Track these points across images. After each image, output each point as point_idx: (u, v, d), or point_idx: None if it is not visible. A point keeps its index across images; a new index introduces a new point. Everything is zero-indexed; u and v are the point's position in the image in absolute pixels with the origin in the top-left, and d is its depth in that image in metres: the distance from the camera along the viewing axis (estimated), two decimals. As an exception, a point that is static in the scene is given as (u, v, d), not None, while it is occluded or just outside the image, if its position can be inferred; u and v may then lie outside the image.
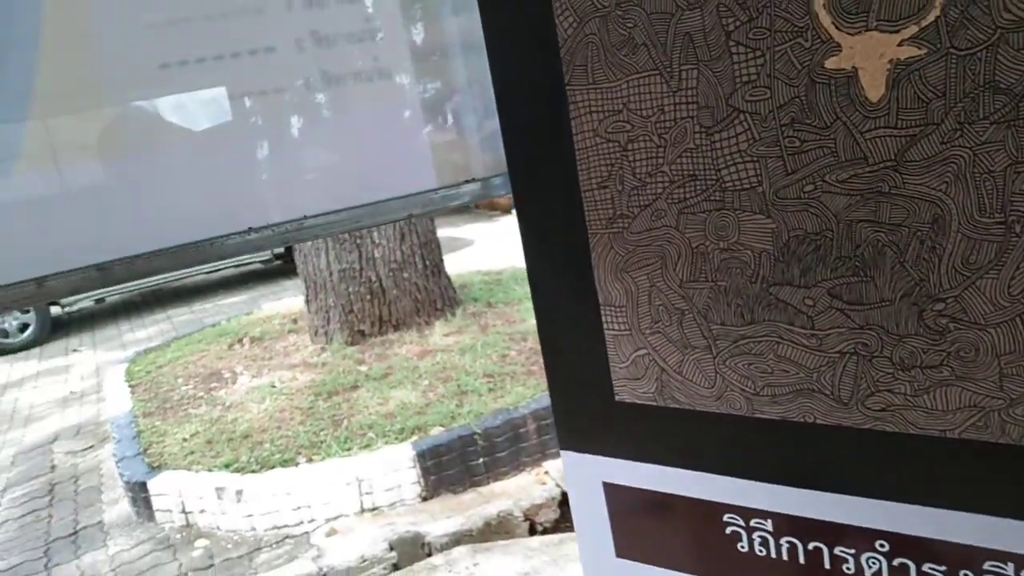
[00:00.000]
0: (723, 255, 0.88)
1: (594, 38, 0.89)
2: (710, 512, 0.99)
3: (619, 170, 0.92)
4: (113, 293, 10.36)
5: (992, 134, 0.69)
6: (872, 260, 0.78)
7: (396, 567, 3.76)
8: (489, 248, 9.78)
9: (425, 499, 4.21)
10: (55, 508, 4.93)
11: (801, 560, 0.93)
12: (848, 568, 0.89)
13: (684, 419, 0.97)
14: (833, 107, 0.76)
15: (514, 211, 1.03)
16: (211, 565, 3.96)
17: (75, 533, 4.57)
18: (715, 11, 0.80)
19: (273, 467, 4.36)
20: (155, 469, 4.61)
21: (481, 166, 1.10)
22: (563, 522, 3.92)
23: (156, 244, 0.88)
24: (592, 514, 1.11)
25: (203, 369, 6.26)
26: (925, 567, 0.84)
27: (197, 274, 10.80)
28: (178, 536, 4.30)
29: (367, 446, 4.40)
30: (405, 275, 6.04)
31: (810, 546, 0.92)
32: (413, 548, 3.84)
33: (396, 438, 4.42)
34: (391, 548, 3.83)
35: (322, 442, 4.52)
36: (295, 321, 6.95)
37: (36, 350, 9.21)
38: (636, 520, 1.07)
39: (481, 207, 12.33)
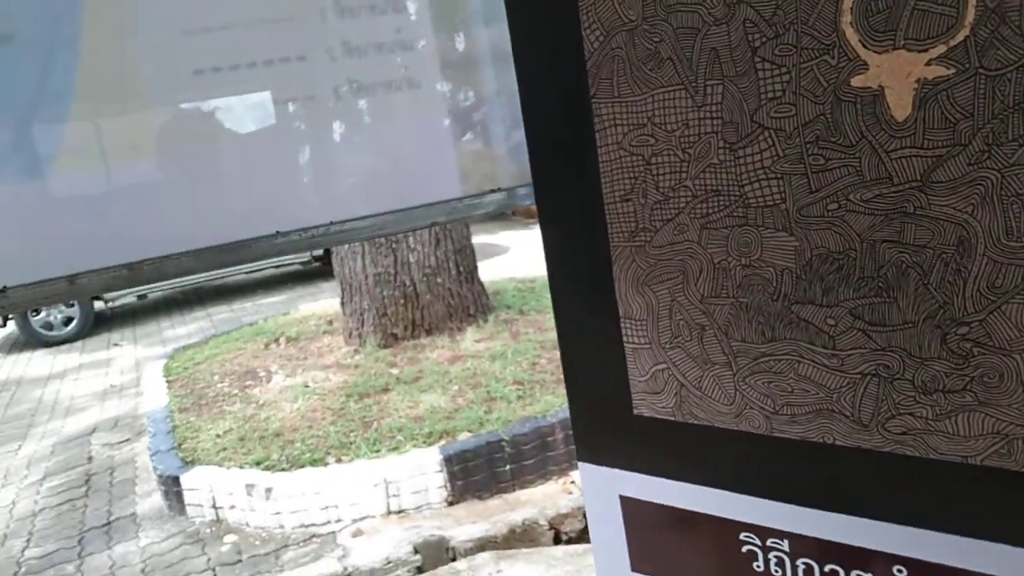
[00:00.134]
0: (745, 272, 0.87)
1: (620, 52, 0.89)
2: (726, 530, 0.98)
3: (642, 184, 0.92)
4: (155, 290, 10.58)
5: (1021, 156, 0.68)
6: (895, 281, 0.77)
7: (420, 570, 3.77)
8: (524, 256, 9.80)
9: (451, 504, 4.22)
10: (90, 498, 5.04)
11: (817, 582, 0.91)
12: (865, 593, 0.88)
13: (702, 435, 0.96)
14: (859, 126, 0.76)
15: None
16: (239, 561, 4.02)
17: (108, 524, 4.66)
18: (741, 27, 0.80)
19: (303, 466, 4.40)
20: (188, 464, 4.69)
21: (507, 176, 1.10)
22: (588, 533, 3.90)
23: (185, 246, 0.90)
24: (608, 527, 1.10)
25: (239, 367, 6.35)
26: (943, 595, 0.82)
27: (237, 273, 10.97)
28: (208, 531, 4.36)
29: (395, 448, 4.43)
30: (439, 280, 6.08)
31: (827, 568, 0.91)
32: (437, 552, 3.85)
33: (424, 442, 4.44)
34: (415, 551, 3.84)
35: (352, 443, 4.56)
36: (330, 322, 7.02)
37: (79, 343, 9.42)
38: (652, 534, 1.06)
39: (518, 215, 12.36)
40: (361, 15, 0.97)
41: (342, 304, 6.33)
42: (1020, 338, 0.72)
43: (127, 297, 10.51)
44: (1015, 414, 0.74)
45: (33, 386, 7.87)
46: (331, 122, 1.01)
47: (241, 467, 4.50)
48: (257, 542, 4.17)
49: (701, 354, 0.94)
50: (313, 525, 4.20)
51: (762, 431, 0.91)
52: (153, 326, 9.79)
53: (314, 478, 4.25)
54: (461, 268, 6.21)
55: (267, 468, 4.44)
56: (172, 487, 4.60)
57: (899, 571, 0.85)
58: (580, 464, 1.11)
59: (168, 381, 6.40)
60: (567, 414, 4.66)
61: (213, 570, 3.97)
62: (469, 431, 4.47)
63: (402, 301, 6.00)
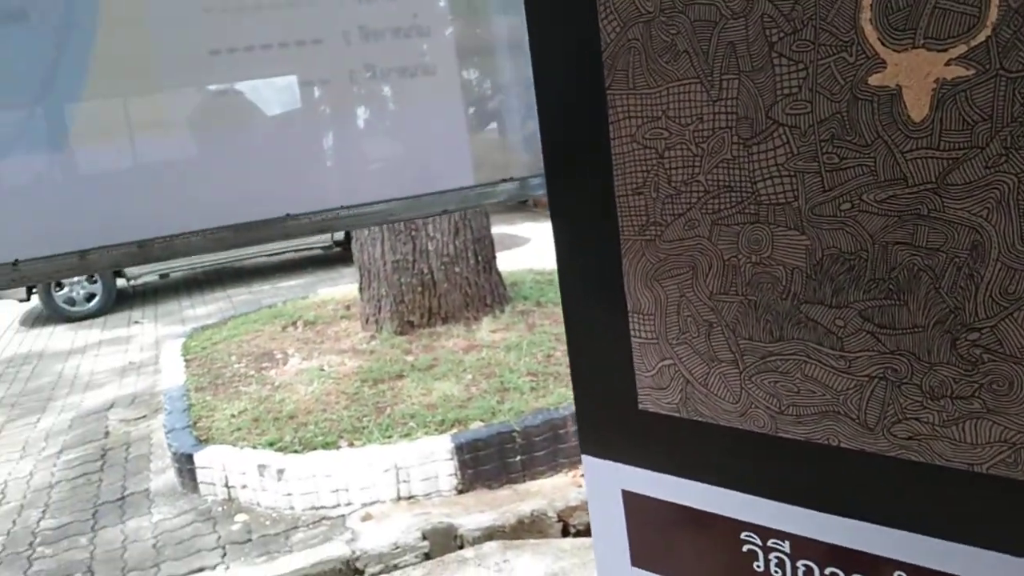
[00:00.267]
0: (755, 269, 0.86)
1: (637, 43, 0.88)
2: (727, 528, 0.97)
3: (655, 177, 0.91)
4: (177, 270, 10.67)
5: (1039, 161, 0.67)
6: (907, 284, 0.76)
7: (428, 556, 3.79)
8: (543, 247, 9.78)
9: (460, 492, 4.23)
10: (106, 473, 5.10)
11: (817, 585, 0.91)
12: (864, 597, 0.87)
13: (707, 433, 0.96)
14: (875, 125, 0.74)
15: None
16: (249, 540, 4.06)
17: (122, 499, 4.72)
18: (759, 21, 0.79)
19: (315, 448, 4.43)
20: (202, 443, 4.73)
21: (519, 165, 1.10)
22: (596, 526, 3.90)
23: (196, 225, 0.91)
24: (610, 521, 1.10)
25: (256, 349, 6.40)
26: (943, 603, 0.81)
27: (258, 256, 11.04)
28: (219, 509, 4.40)
29: (407, 435, 4.44)
30: (457, 269, 6.08)
31: (827, 571, 0.90)
32: (445, 539, 3.86)
33: (436, 429, 4.45)
34: (424, 537, 3.86)
35: (364, 428, 4.58)
36: (348, 308, 7.05)
37: (100, 320, 9.53)
38: (653, 530, 1.06)
39: (539, 206, 12.34)
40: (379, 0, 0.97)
41: (360, 290, 6.35)
42: (1031, 346, 0.71)
43: (149, 276, 10.62)
44: (1023, 423, 0.73)
45: (54, 360, 7.98)
46: (345, 106, 1.01)
47: (254, 447, 4.54)
48: (267, 522, 4.20)
49: (708, 351, 0.93)
50: (323, 507, 4.23)
51: (767, 431, 0.90)
52: (174, 305, 9.89)
53: (326, 461, 4.28)
54: (479, 258, 6.21)
55: (280, 449, 4.47)
56: (186, 465, 4.65)
57: (900, 577, 0.84)
58: (584, 457, 1.11)
59: (186, 360, 6.46)
60: (579, 407, 4.65)
61: (223, 548, 4.01)
62: (481, 420, 4.48)
63: (419, 289, 6.01)
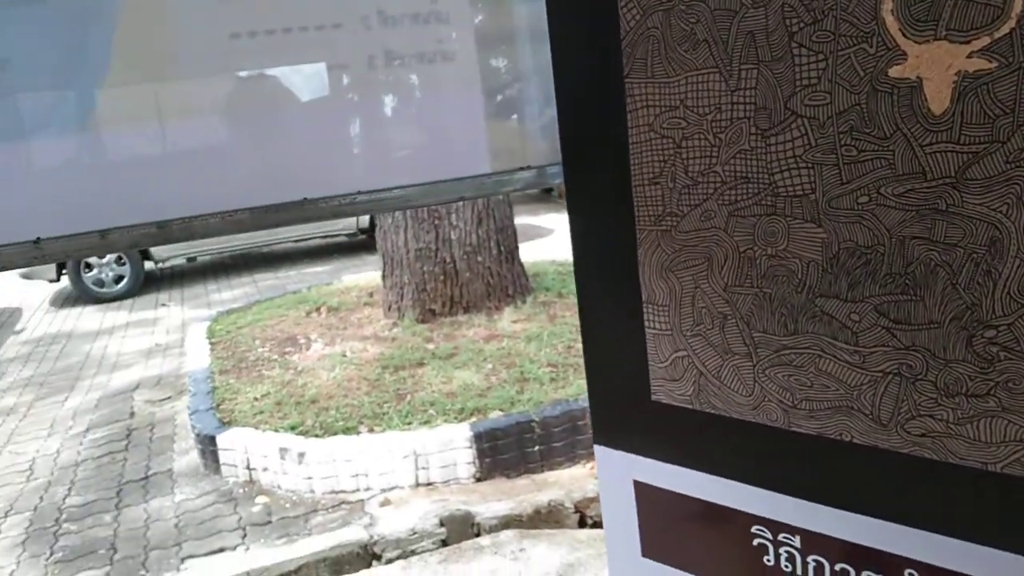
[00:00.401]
0: (770, 262, 0.86)
1: (656, 32, 0.88)
2: (738, 521, 0.97)
3: (671, 167, 0.91)
4: (204, 253, 10.78)
5: (1061, 156, 0.66)
6: (923, 279, 0.75)
7: (445, 543, 3.81)
8: (567, 239, 9.75)
9: (478, 480, 4.25)
10: (130, 452, 5.18)
11: (826, 580, 0.90)
12: (873, 594, 0.87)
13: (719, 425, 0.95)
14: (894, 117, 0.73)
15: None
16: (268, 522, 4.10)
17: (146, 478, 4.79)
18: (779, 11, 0.78)
19: (336, 433, 4.47)
20: (225, 425, 4.79)
21: (537, 154, 1.10)
22: (613, 518, 3.89)
23: (214, 207, 0.92)
24: (621, 511, 1.10)
25: (280, 333, 6.46)
26: (953, 602, 0.81)
27: (285, 242, 11.13)
28: (240, 491, 4.46)
29: (427, 422, 4.47)
30: (479, 259, 6.09)
31: (837, 567, 0.89)
32: (463, 526, 3.88)
33: (455, 417, 4.47)
34: (441, 524, 3.88)
35: (384, 414, 4.61)
36: (371, 295, 7.09)
37: (128, 302, 9.67)
38: (664, 521, 1.06)
39: (564, 197, 12.30)
40: (398, -17, 0.97)
41: (383, 277, 6.38)
42: (1049, 344, 0.70)
43: (177, 259, 10.75)
44: (1040, 422, 0.72)
45: (82, 341, 8.11)
46: (363, 92, 1.01)
47: (276, 431, 4.59)
48: (287, 505, 4.25)
49: (722, 343, 0.92)
50: (343, 492, 4.27)
51: (779, 424, 0.90)
52: (200, 288, 10.00)
53: (346, 446, 4.32)
54: (502, 248, 6.22)
55: (301, 433, 4.52)
56: (208, 446, 4.71)
57: (911, 574, 0.83)
58: (596, 447, 1.11)
59: (211, 343, 6.53)
60: (598, 399, 4.64)
61: (244, 529, 4.06)
62: (500, 410, 4.49)
63: (442, 277, 6.03)
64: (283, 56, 0.95)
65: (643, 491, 1.07)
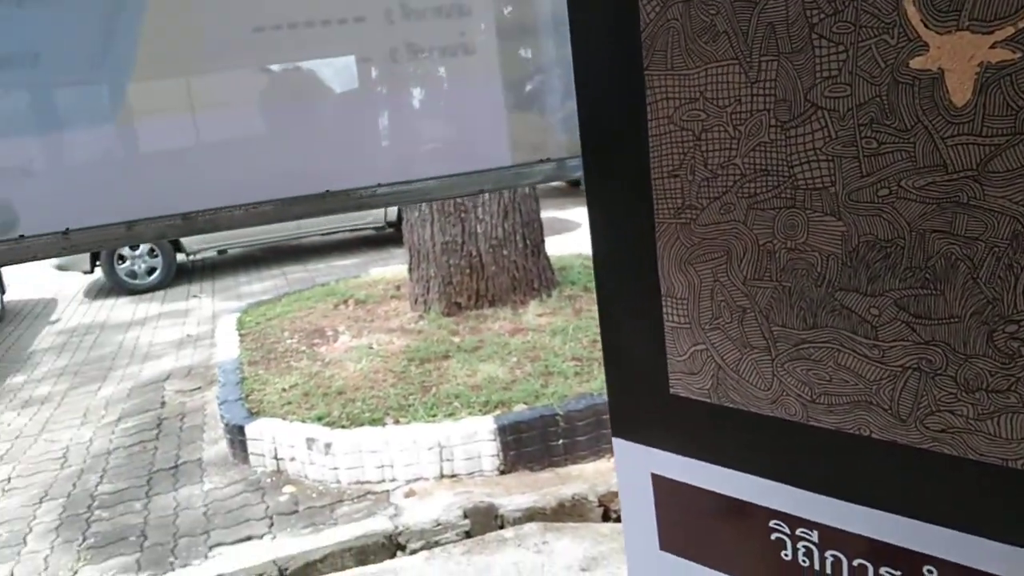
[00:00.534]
0: (790, 255, 0.85)
1: (676, 23, 0.87)
2: (756, 516, 0.97)
3: (691, 160, 0.91)
4: (235, 246, 10.91)
5: (1086, 149, 0.65)
6: (944, 273, 0.75)
7: (468, 535, 3.84)
8: (594, 232, 9.71)
9: (502, 472, 4.27)
10: (161, 442, 5.27)
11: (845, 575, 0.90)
12: (891, 590, 0.86)
13: (737, 419, 0.95)
14: (915, 109, 0.73)
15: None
16: (295, 511, 4.16)
17: (176, 467, 4.87)
18: (800, 2, 0.77)
19: (362, 424, 4.51)
20: (253, 415, 4.85)
21: (557, 146, 1.10)
22: (637, 512, 3.89)
23: (239, 199, 0.93)
24: (639, 504, 1.10)
25: (308, 325, 6.52)
26: (972, 599, 0.80)
27: (313, 235, 11.22)
28: (268, 480, 4.52)
29: (451, 415, 4.49)
30: (505, 252, 6.10)
31: (855, 563, 0.89)
32: (486, 518, 3.90)
33: (480, 410, 4.49)
34: (465, 515, 3.91)
35: (410, 406, 4.65)
36: (398, 288, 7.13)
37: (160, 293, 9.82)
38: (682, 515, 1.06)
39: (590, 190, 12.24)
40: (420, -22, 0.98)
41: (409, 271, 6.42)
42: (1072, 340, 0.69)
43: (208, 252, 10.88)
44: (1062, 419, 0.71)
45: (115, 331, 8.25)
46: (385, 85, 1.02)
47: (303, 421, 4.64)
48: (314, 495, 4.30)
49: (741, 337, 0.92)
50: (368, 482, 4.31)
51: (798, 419, 0.90)
52: (231, 280, 10.12)
53: (372, 437, 4.35)
54: (528, 241, 6.22)
55: (328, 424, 4.56)
56: (237, 436, 4.77)
57: (929, 571, 0.83)
58: (614, 440, 1.11)
59: (241, 334, 6.61)
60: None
61: (271, 518, 4.12)
62: (525, 403, 4.50)
63: (467, 271, 6.05)
64: (306, 49, 0.96)
65: (661, 484, 1.07)
